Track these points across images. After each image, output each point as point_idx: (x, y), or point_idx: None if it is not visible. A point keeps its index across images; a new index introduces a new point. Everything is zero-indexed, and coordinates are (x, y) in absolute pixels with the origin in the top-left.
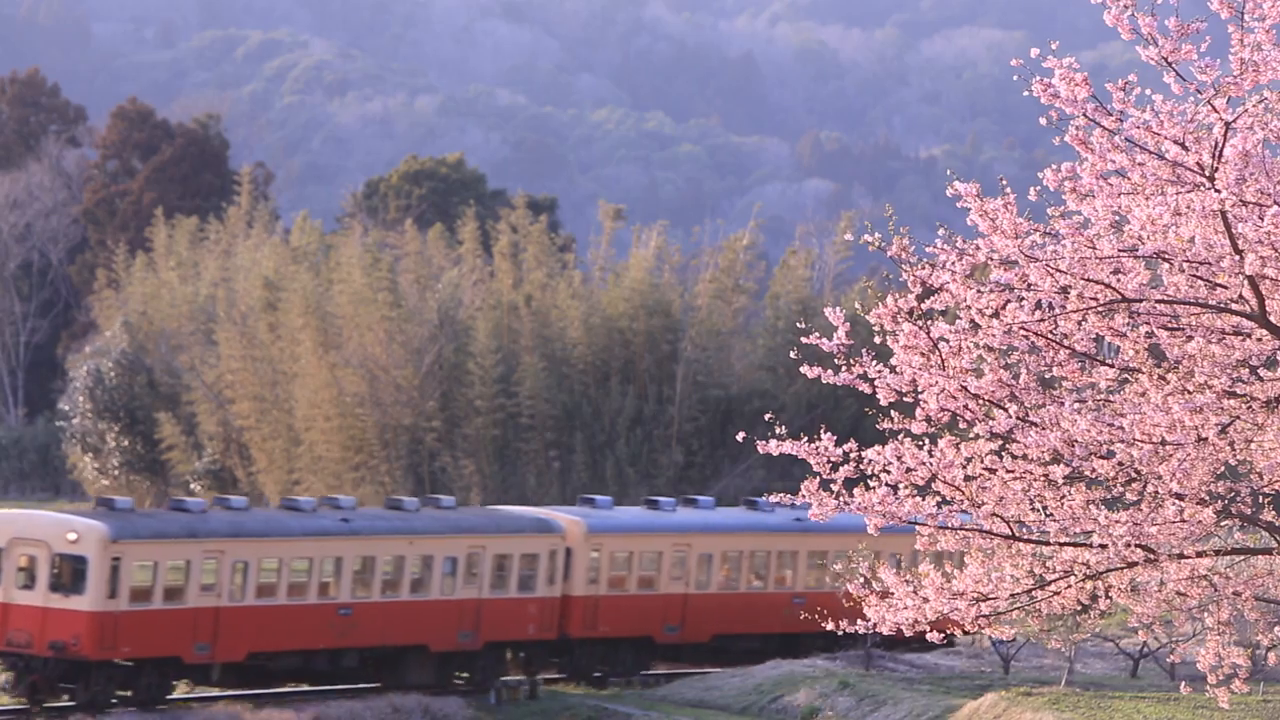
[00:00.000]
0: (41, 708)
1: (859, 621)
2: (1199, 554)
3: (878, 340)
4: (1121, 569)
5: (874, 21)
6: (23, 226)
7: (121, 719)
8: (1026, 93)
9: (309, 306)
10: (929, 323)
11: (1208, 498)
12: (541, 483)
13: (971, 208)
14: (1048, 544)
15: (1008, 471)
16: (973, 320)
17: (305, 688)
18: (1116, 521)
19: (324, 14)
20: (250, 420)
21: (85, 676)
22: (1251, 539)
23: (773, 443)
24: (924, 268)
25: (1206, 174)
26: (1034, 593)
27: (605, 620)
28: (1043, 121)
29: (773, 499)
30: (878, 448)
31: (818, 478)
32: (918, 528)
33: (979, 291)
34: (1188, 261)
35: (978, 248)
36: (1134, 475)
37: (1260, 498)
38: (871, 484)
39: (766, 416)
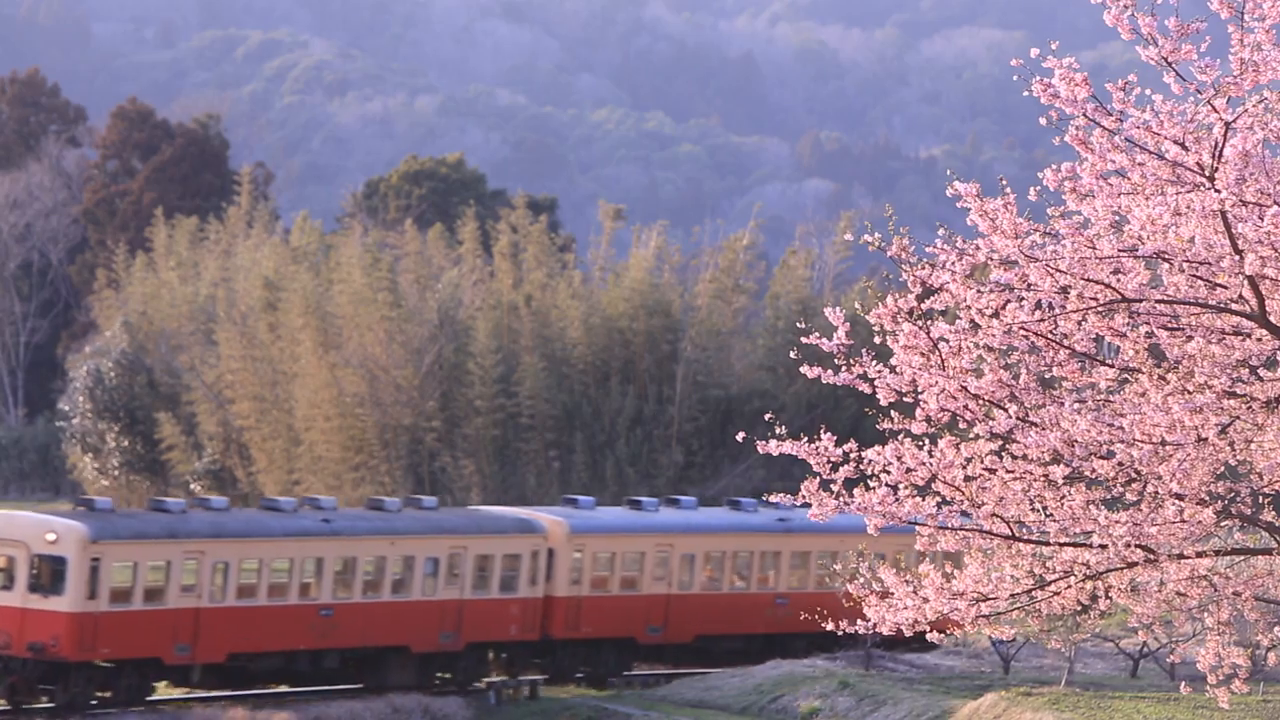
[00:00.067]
0: (20, 709)
1: (844, 622)
2: (1199, 554)
3: (878, 340)
4: (1121, 569)
5: (874, 21)
6: (23, 226)
7: (123, 718)
8: (1026, 93)
9: (309, 306)
10: (929, 323)
11: (1208, 498)
12: (541, 483)
13: (971, 208)
14: (1048, 544)
15: (1008, 472)
16: (973, 320)
17: (307, 689)
18: (1116, 521)
19: (324, 14)
20: (250, 420)
21: (64, 678)
22: (1251, 539)
23: (773, 443)
24: (924, 268)
25: (1206, 174)
26: (1034, 593)
27: (588, 621)
28: (1043, 121)
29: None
30: (878, 448)
31: (818, 478)
32: (917, 528)
33: (979, 291)
34: (1188, 261)
35: (978, 248)
36: (1134, 475)
37: (1260, 498)
38: (871, 484)
39: (766, 416)
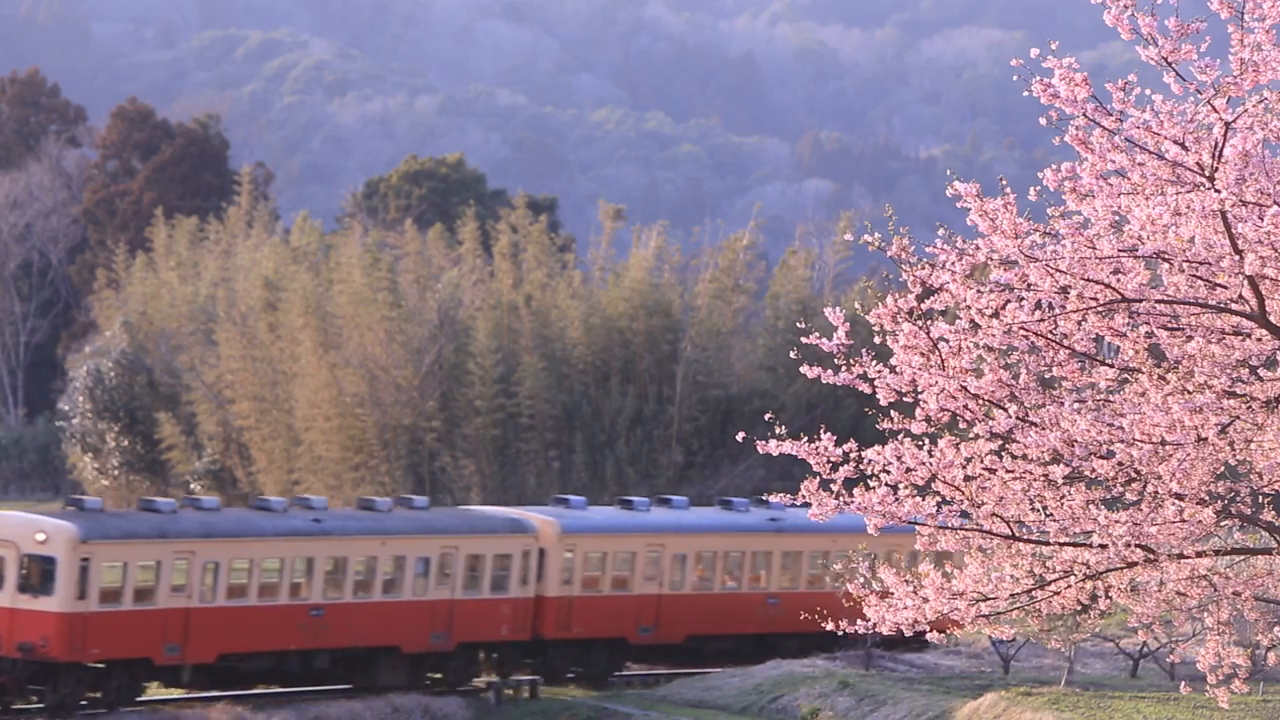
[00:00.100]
0: (9, 710)
1: (837, 622)
2: (1199, 554)
3: (878, 340)
4: (1121, 569)
5: (874, 21)
6: (23, 226)
7: (124, 718)
8: (1026, 93)
9: (309, 306)
10: (929, 323)
11: (1208, 498)
12: (541, 483)
13: (971, 208)
14: (1048, 544)
15: (1007, 471)
16: (973, 320)
17: (305, 689)
18: (1116, 521)
19: (324, 14)
20: (250, 420)
21: (54, 678)
22: (1251, 539)
23: (773, 443)
24: (924, 268)
25: (1206, 174)
26: (1034, 593)
27: (579, 621)
28: (1043, 121)
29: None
30: (878, 448)
31: (817, 478)
32: (917, 528)
33: (979, 291)
34: (1188, 261)
35: (978, 248)
36: (1134, 475)
37: (1260, 498)
38: (871, 484)
39: (766, 416)
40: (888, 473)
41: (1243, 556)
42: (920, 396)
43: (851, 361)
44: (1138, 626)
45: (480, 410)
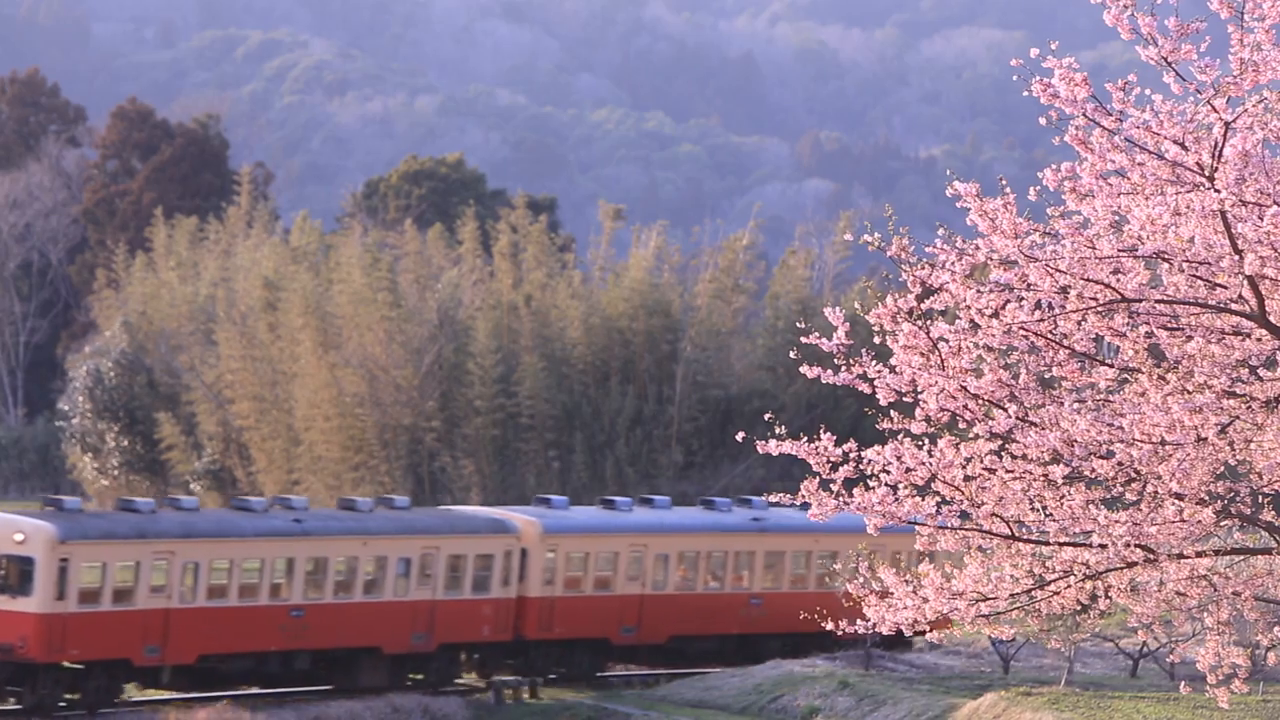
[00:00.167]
0: None
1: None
2: (1199, 554)
3: (877, 340)
4: (1121, 569)
5: (874, 21)
6: (23, 226)
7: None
8: (1026, 93)
9: (309, 306)
10: (929, 323)
11: (1207, 498)
12: (541, 483)
13: (971, 208)
14: (1047, 544)
15: (1007, 471)
16: (972, 320)
17: (305, 689)
18: (1116, 521)
19: (324, 14)
20: (250, 420)
21: (33, 679)
22: (1251, 539)
23: (772, 443)
24: (924, 268)
25: (1206, 174)
26: (1034, 593)
27: (561, 621)
28: (1043, 121)
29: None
30: (877, 448)
31: (817, 477)
32: (917, 528)
33: (979, 291)
34: (1187, 261)
35: (977, 248)
36: (1134, 475)
37: (1260, 498)
38: (871, 484)
39: (766, 416)
40: (887, 473)
41: (1242, 556)
42: (920, 396)
43: (851, 361)
44: (1138, 626)
45: (480, 410)
